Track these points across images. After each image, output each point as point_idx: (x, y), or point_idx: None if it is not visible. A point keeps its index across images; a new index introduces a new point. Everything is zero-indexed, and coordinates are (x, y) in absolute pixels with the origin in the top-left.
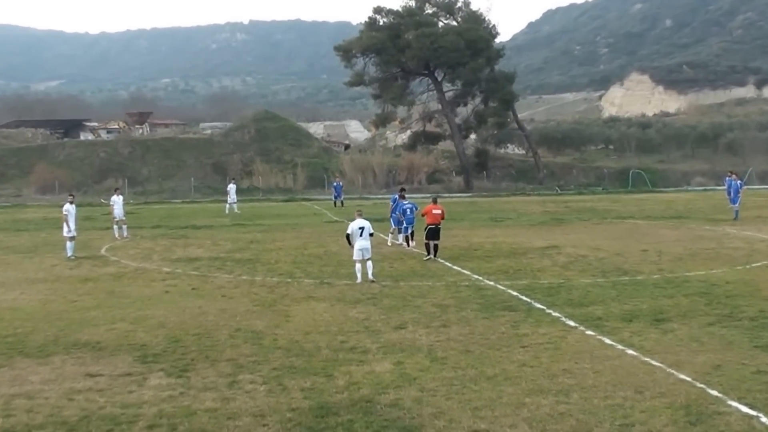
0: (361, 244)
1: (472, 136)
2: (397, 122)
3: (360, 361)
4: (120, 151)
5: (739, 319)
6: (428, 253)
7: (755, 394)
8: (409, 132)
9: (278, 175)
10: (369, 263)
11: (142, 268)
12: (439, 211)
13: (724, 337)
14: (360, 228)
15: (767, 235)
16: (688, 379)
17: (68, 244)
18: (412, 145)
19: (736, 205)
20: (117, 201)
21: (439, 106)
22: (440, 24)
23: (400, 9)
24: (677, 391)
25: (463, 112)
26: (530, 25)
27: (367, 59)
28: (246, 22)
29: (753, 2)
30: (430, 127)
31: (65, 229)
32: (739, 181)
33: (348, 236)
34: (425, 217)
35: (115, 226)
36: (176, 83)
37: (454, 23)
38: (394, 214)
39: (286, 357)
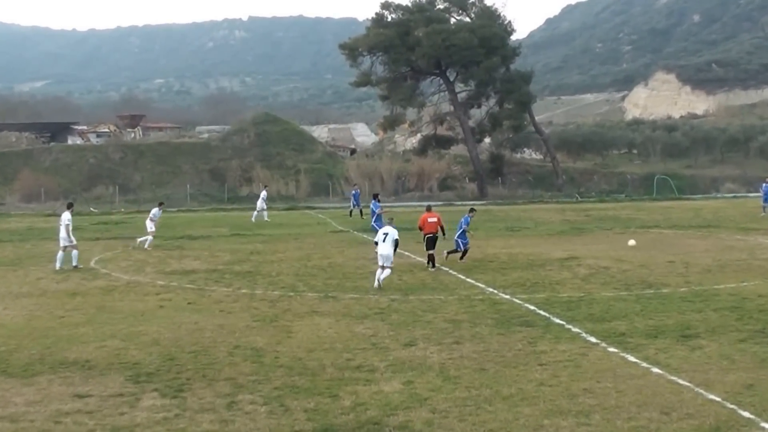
0: (381, 249)
1: (487, 139)
2: (406, 125)
3: (367, 380)
4: (110, 156)
5: None
6: (432, 265)
7: None
8: (419, 135)
9: (280, 182)
10: (385, 271)
11: (134, 282)
12: (434, 219)
13: (757, 354)
14: (384, 234)
15: None
16: (718, 399)
17: (60, 254)
18: (422, 150)
19: None
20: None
21: (451, 108)
22: (452, 20)
23: (409, 4)
24: (706, 413)
25: (477, 114)
26: (548, 21)
27: (374, 58)
28: (245, 18)
29: None
30: (442, 131)
31: (66, 239)
32: None
33: (377, 244)
34: (422, 228)
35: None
36: (170, 84)
37: (467, 19)
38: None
39: (288, 376)
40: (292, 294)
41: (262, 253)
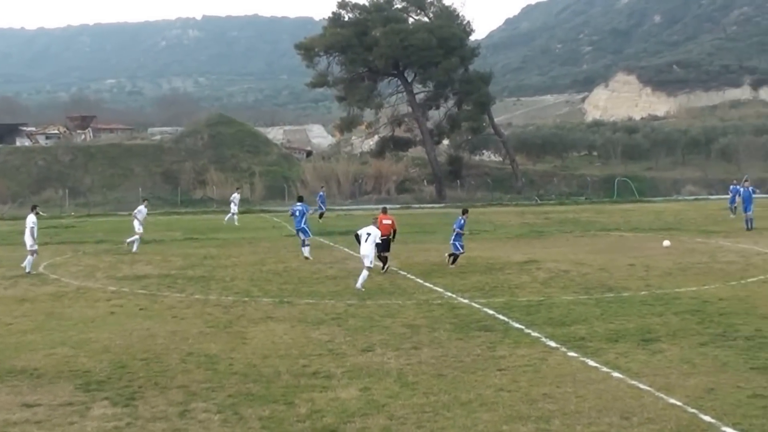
0: (362, 249)
1: (445, 141)
2: (363, 126)
3: (323, 387)
4: (60, 158)
5: (734, 338)
6: (383, 267)
7: (751, 420)
8: (376, 137)
9: (234, 185)
10: (363, 272)
11: (84, 287)
12: (389, 222)
13: (718, 358)
14: (367, 234)
15: (764, 248)
16: (679, 403)
17: (30, 258)
18: (380, 152)
19: (750, 213)
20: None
21: (410, 109)
22: (410, 20)
23: (366, 4)
24: (667, 417)
25: (436, 115)
26: (507, 21)
27: (330, 58)
28: (199, 17)
29: None
30: (400, 132)
31: (30, 242)
32: (751, 188)
33: (357, 236)
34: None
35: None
36: (122, 84)
37: (426, 19)
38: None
39: (242, 383)
40: (246, 299)
41: (215, 257)
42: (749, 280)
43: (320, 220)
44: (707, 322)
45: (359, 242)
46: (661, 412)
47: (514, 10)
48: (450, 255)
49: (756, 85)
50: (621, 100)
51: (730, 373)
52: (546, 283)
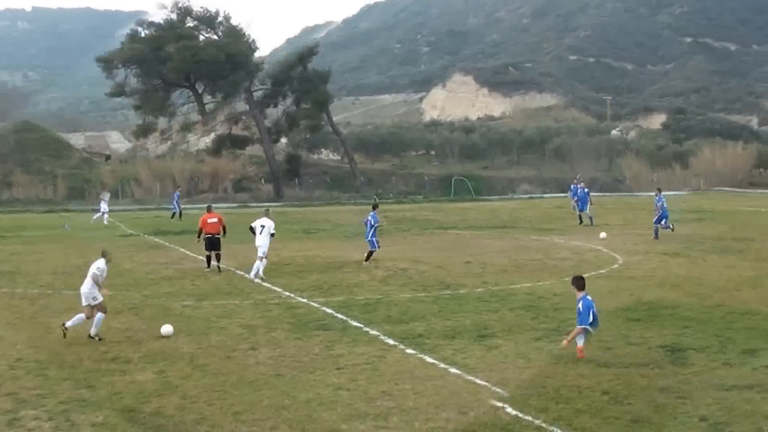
0: (257, 240)
1: (283, 140)
2: (157, 133)
3: (122, 371)
4: None
5: (568, 332)
6: (208, 265)
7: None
8: (213, 135)
9: (38, 186)
10: (262, 261)
11: None
12: (215, 220)
13: (552, 352)
14: (261, 226)
15: (595, 245)
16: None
17: None
18: (216, 150)
19: (587, 210)
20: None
21: (247, 107)
22: (201, 37)
23: (162, 22)
24: (502, 411)
25: (274, 113)
26: (346, 21)
27: (128, 70)
28: (28, 9)
29: (497, 24)
30: (237, 130)
31: None
32: (585, 188)
33: (252, 228)
34: (202, 229)
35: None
36: None
37: (215, 37)
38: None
39: (74, 389)
40: (50, 292)
41: (21, 253)
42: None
43: (179, 220)
44: (542, 318)
45: (254, 234)
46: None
47: (353, 10)
48: (369, 254)
49: None
50: (458, 101)
51: (564, 367)
52: (384, 281)
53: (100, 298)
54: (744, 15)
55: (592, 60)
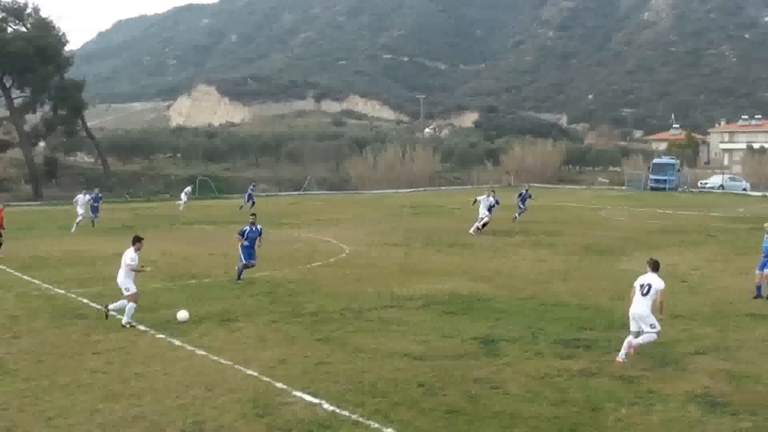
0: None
1: (42, 143)
2: None
3: None
4: None
5: (302, 315)
6: None
7: (318, 384)
8: None
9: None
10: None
11: None
12: None
13: (288, 332)
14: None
15: (327, 236)
16: (255, 374)
17: None
18: None
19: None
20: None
21: (8, 113)
22: (9, 30)
23: None
24: (246, 387)
25: (33, 119)
26: (101, 34)
27: None
28: None
29: (313, 22)
30: None
31: None
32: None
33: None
34: None
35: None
36: None
37: (24, 29)
38: None
39: None
40: None
41: None
42: (314, 264)
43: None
44: (278, 302)
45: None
46: (240, 383)
47: (106, 25)
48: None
49: (318, 98)
50: (202, 108)
51: (299, 345)
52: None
53: (133, 289)
54: (452, 39)
55: (406, 59)
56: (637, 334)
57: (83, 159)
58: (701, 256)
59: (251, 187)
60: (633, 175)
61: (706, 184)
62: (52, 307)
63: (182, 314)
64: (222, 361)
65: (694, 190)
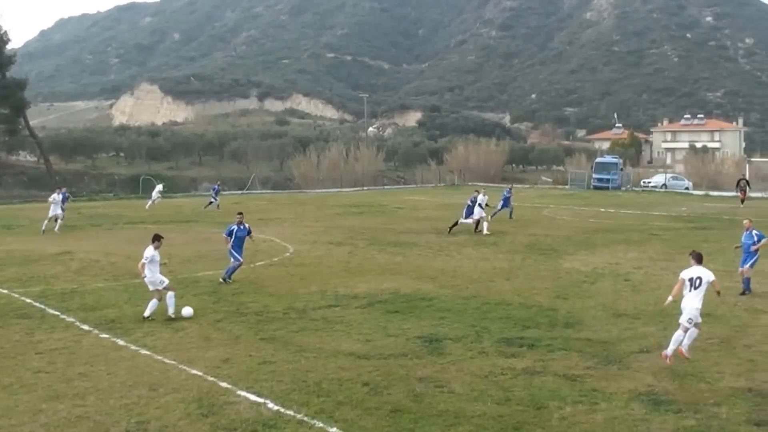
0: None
1: None
2: None
3: None
4: None
5: (246, 314)
6: None
7: (262, 383)
8: None
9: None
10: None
11: None
12: None
13: (232, 332)
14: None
15: (271, 236)
16: (200, 373)
17: None
18: None
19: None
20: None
21: None
22: None
23: None
24: (190, 386)
25: None
26: (42, 32)
27: None
28: None
29: (255, 21)
30: None
31: None
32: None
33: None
34: None
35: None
36: None
37: None
38: None
39: None
40: None
41: None
42: (258, 263)
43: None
44: (222, 302)
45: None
46: (184, 382)
47: (48, 23)
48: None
49: (261, 97)
50: (145, 107)
51: (243, 344)
52: (79, 272)
53: (166, 281)
54: (395, 39)
55: (349, 58)
56: (686, 329)
57: (26, 158)
58: (644, 254)
59: (216, 186)
60: (576, 174)
61: (648, 183)
62: None
63: (187, 311)
64: (166, 360)
65: (637, 189)
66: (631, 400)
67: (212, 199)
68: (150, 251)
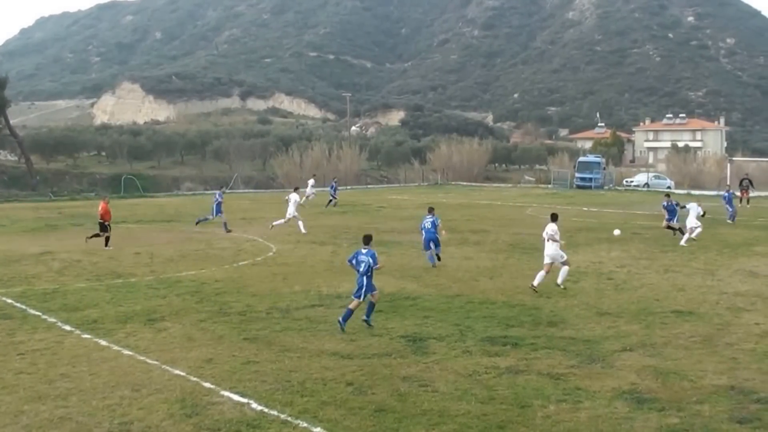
0: None
1: None
2: None
3: None
4: None
5: (229, 314)
6: None
7: (245, 383)
8: None
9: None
10: None
11: None
12: None
13: (215, 332)
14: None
15: (253, 235)
16: (183, 373)
17: None
18: None
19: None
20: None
21: None
22: None
23: None
24: (173, 386)
25: None
26: (23, 31)
27: None
28: None
29: (237, 19)
30: None
31: None
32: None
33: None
34: None
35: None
36: None
37: None
38: None
39: None
40: None
41: None
42: (241, 263)
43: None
44: (205, 302)
45: None
46: (167, 383)
47: (28, 21)
48: None
49: (244, 96)
50: (126, 106)
51: (226, 345)
52: (60, 272)
53: (566, 255)
54: (378, 38)
55: (332, 57)
56: None
57: (6, 157)
58: (627, 253)
59: (333, 183)
60: (559, 174)
61: (631, 182)
62: None
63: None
64: (149, 361)
65: (619, 188)
66: (614, 398)
67: (331, 197)
68: (554, 227)
